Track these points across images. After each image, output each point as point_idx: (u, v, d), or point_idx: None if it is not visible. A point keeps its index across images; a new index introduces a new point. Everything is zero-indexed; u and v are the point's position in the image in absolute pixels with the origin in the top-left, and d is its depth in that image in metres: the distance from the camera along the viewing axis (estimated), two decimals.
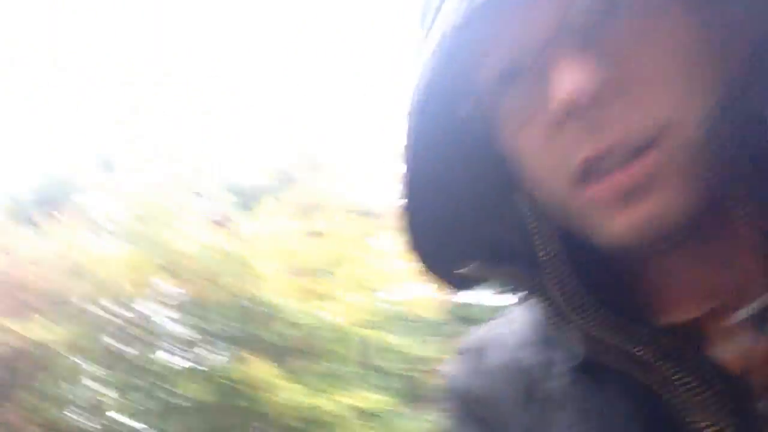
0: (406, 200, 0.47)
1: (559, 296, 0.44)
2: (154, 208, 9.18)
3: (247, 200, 10.48)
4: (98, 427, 7.59)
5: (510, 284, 0.49)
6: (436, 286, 0.51)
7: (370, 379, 8.31)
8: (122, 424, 7.61)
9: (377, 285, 8.77)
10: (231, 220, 9.90)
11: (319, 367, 8.17)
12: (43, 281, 8.52)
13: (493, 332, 0.57)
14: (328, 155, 10.94)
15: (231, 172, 11.09)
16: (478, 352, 0.57)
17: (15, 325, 7.86)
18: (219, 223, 10.19)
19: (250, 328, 8.57)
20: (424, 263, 0.50)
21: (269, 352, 8.13)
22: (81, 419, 7.42)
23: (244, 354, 7.95)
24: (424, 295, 9.66)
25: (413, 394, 9.49)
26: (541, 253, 0.45)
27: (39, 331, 7.93)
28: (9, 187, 12.82)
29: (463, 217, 0.49)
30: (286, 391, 7.56)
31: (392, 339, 8.61)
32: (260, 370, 7.73)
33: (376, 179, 10.44)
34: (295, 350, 8.43)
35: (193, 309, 8.77)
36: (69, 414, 7.45)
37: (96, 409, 7.53)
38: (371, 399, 7.81)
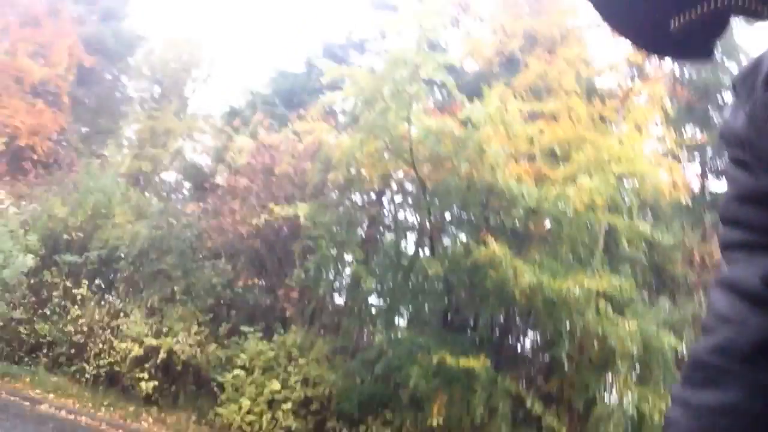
0: None
1: None
2: (385, 97, 9.44)
3: (474, 85, 10.40)
4: (357, 307, 8.53)
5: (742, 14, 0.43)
6: (656, 58, 0.48)
7: (611, 264, 8.20)
8: (377, 306, 8.45)
9: (617, 169, 8.34)
10: (459, 106, 9.90)
11: (559, 251, 8.20)
12: (300, 173, 9.44)
13: (755, 64, 0.53)
14: (555, 36, 10.33)
15: (456, 57, 10.99)
16: (743, 88, 0.53)
17: (282, 210, 8.83)
18: (447, 109, 10.32)
19: (489, 213, 8.80)
20: (634, 35, 0.46)
21: (509, 237, 8.32)
22: (342, 300, 8.39)
23: (484, 238, 8.19)
24: (669, 179, 9.08)
25: (656, 281, 9.25)
26: None
27: (302, 216, 8.87)
28: (253, 84, 14.12)
29: None
30: (527, 274, 7.72)
31: (635, 224, 8.29)
32: (501, 253, 7.95)
33: (609, 58, 9.69)
34: (535, 235, 8.54)
35: (431, 195, 9.18)
36: (332, 294, 8.46)
37: (354, 291, 8.43)
38: (613, 284, 7.70)
